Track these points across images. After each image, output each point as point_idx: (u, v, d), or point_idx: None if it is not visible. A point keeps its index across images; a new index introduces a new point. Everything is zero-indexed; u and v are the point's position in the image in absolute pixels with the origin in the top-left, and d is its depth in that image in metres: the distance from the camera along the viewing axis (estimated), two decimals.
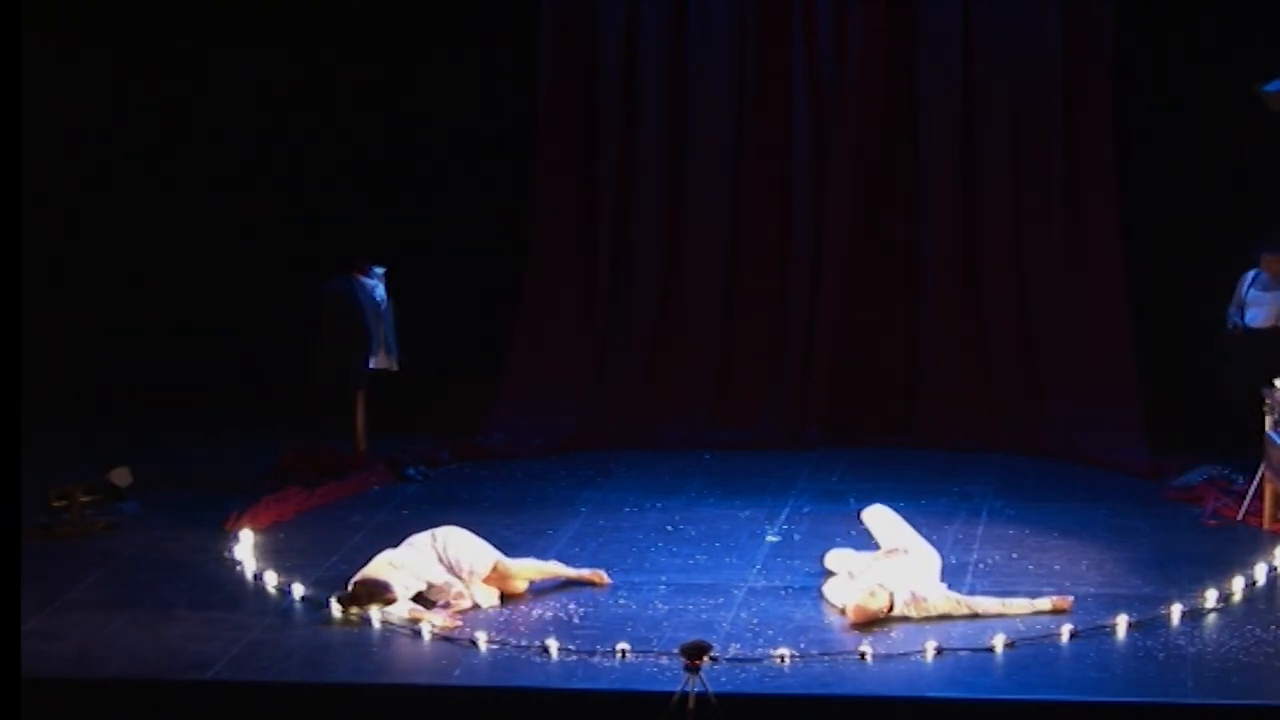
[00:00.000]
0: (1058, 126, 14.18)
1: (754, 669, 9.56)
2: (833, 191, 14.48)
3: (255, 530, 11.85)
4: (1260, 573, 10.91)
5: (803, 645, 9.84)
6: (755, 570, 11.29)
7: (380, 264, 13.96)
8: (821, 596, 10.67)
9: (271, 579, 10.99)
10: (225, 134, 15.09)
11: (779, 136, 14.52)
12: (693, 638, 9.22)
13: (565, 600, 10.72)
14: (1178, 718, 9.09)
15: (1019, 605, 10.35)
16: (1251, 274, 13.39)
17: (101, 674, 9.59)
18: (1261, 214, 13.53)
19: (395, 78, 14.94)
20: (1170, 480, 13.10)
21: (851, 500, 12.53)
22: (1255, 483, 12.11)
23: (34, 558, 10.96)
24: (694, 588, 10.93)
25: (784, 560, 11.48)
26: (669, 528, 12.22)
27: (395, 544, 10.89)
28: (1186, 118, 14.04)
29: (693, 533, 12.10)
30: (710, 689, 8.87)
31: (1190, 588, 10.66)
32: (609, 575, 11.06)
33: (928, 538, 11.10)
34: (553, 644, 9.85)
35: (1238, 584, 10.68)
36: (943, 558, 10.97)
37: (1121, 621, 10.10)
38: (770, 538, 11.97)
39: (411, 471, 13.53)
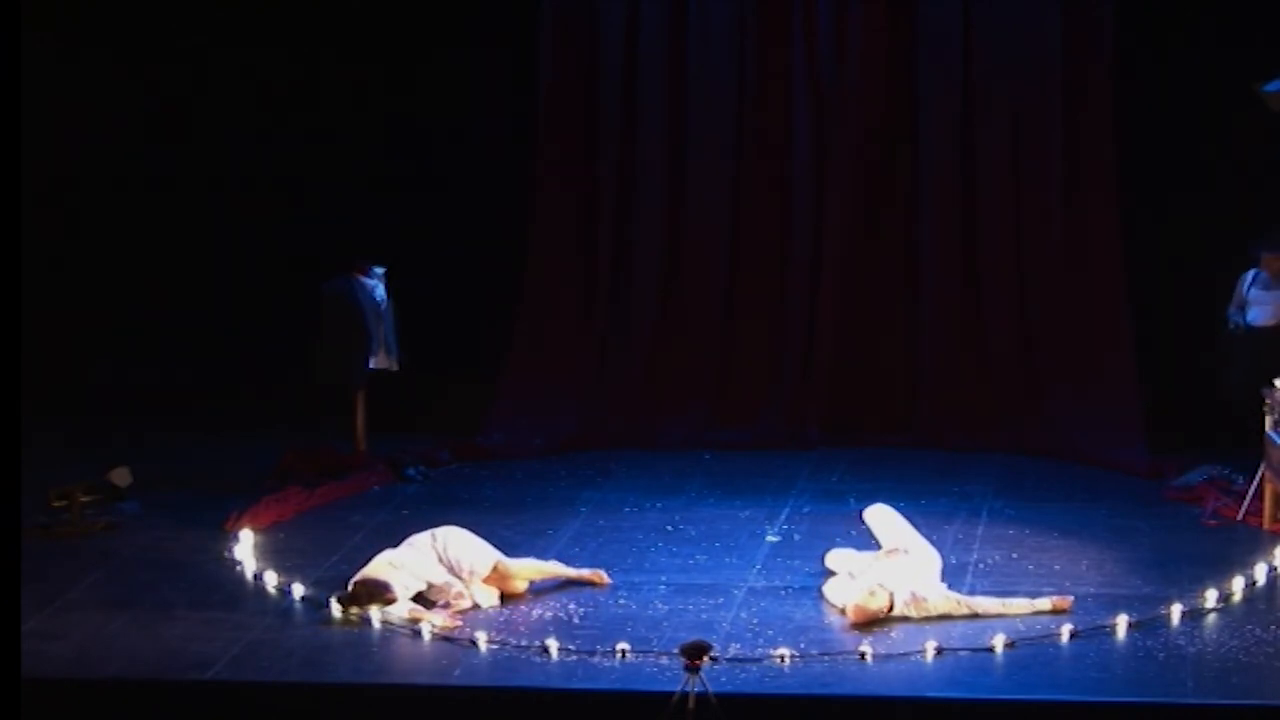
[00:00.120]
0: (1058, 126, 14.18)
1: (754, 669, 9.56)
2: (833, 191, 14.48)
3: (255, 530, 11.85)
4: (1260, 573, 10.91)
5: (803, 645, 9.84)
6: (755, 570, 11.29)
7: (380, 264, 13.96)
8: (821, 596, 10.67)
9: (271, 579, 10.99)
10: (225, 134, 15.09)
11: (779, 136, 14.52)
12: (693, 638, 9.23)
13: (565, 600, 10.72)
14: (1178, 718, 9.09)
15: (1019, 605, 10.35)
16: (1252, 273, 13.39)
17: (101, 674, 9.59)
18: (1261, 214, 13.52)
19: (395, 78, 14.94)
20: (1170, 480, 13.10)
21: (851, 500, 12.53)
22: (1255, 483, 12.11)
23: (34, 558, 10.96)
24: (694, 588, 10.93)
25: (784, 560, 11.48)
26: (669, 528, 12.22)
27: (395, 544, 10.89)
28: (1186, 118, 14.04)
29: (693, 533, 12.10)
30: (710, 689, 8.87)
31: (1190, 588, 10.66)
32: (609, 575, 11.06)
33: (928, 538, 11.10)
34: (553, 644, 9.85)
35: (1238, 584, 10.68)
36: (943, 558, 10.97)
37: (1121, 621, 10.10)
38: (770, 538, 11.97)
39: (411, 471, 13.53)
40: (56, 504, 12.15)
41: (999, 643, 9.84)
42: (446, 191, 14.95)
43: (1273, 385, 11.85)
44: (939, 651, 9.75)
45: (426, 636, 10.11)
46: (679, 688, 8.88)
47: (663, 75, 14.53)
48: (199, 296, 15.22)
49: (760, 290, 14.64)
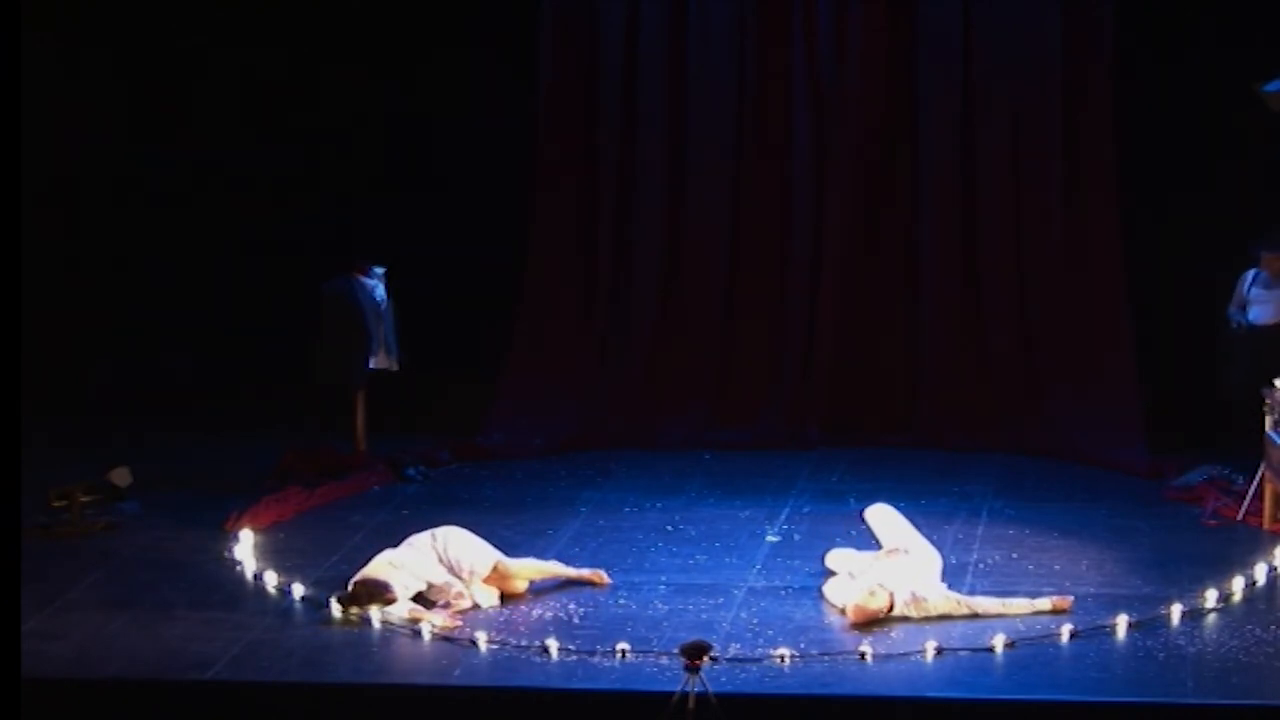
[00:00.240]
0: (1058, 126, 14.18)
1: (754, 669, 9.56)
2: (833, 191, 14.48)
3: (255, 530, 11.85)
4: (1260, 573, 10.91)
5: (803, 645, 9.84)
6: (755, 570, 11.29)
7: (380, 264, 13.96)
8: (821, 596, 10.67)
9: (271, 579, 10.99)
10: (225, 134, 15.09)
11: (779, 136, 14.52)
12: (693, 638, 9.22)
13: (565, 600, 10.72)
14: (1178, 718, 9.09)
15: (1019, 605, 10.35)
16: (1252, 273, 13.39)
17: (101, 674, 9.59)
18: (1261, 214, 13.52)
19: (395, 78, 14.94)
20: (1170, 480, 13.10)
21: (851, 500, 12.53)
22: (1255, 483, 12.11)
23: (34, 558, 10.95)
24: (694, 588, 10.93)
25: (784, 560, 11.48)
26: (669, 528, 12.22)
27: (395, 544, 10.89)
28: (1186, 118, 14.04)
29: (693, 533, 12.10)
30: (710, 689, 8.87)
31: (1190, 588, 10.66)
32: (609, 575, 11.06)
33: (928, 538, 11.10)
34: (553, 644, 9.85)
35: (1238, 584, 10.68)
36: (943, 558, 10.97)
37: (1121, 621, 10.10)
38: (770, 538, 11.97)
39: (411, 471, 13.53)
40: (56, 504, 12.15)
41: (999, 643, 9.84)
42: (446, 191, 14.94)
43: (1273, 385, 11.85)
44: (939, 651, 9.75)
45: (426, 636, 10.11)
46: (679, 688, 8.88)
47: (663, 75, 14.52)
48: (199, 297, 15.22)
49: (760, 290, 14.64)
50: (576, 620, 10.40)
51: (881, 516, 11.34)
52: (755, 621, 10.31)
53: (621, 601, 10.72)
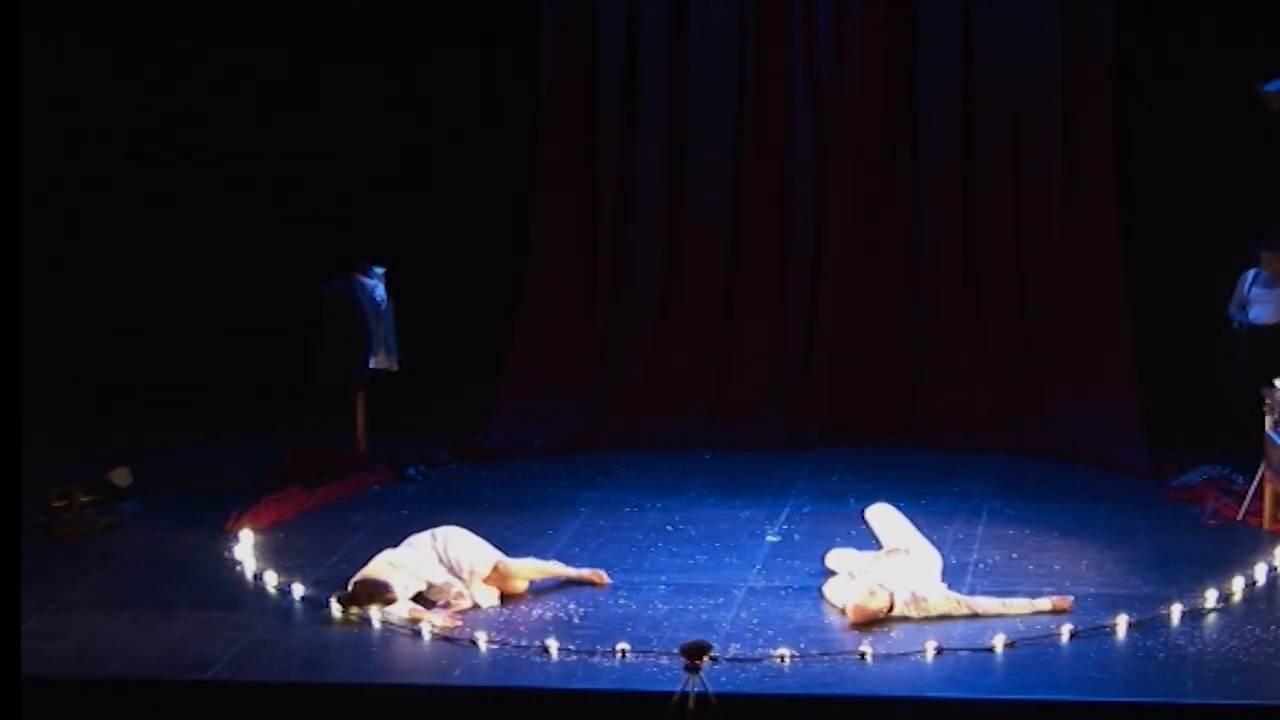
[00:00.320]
0: (1058, 126, 14.18)
1: (754, 669, 9.56)
2: (833, 191, 14.48)
3: (255, 530, 11.85)
4: (1260, 573, 10.91)
5: (803, 645, 9.84)
6: (755, 570, 11.29)
7: (380, 264, 13.96)
8: (821, 596, 10.67)
9: (271, 579, 10.99)
10: (225, 134, 15.09)
11: (779, 136, 14.52)
12: (693, 638, 9.23)
13: (565, 600, 10.72)
14: (1178, 718, 9.09)
15: (1019, 605, 10.35)
16: (1252, 273, 13.39)
17: (101, 674, 9.59)
18: (1261, 214, 13.53)
19: (395, 78, 14.94)
20: (1170, 480, 13.10)
21: (851, 500, 12.53)
22: (1255, 483, 12.11)
23: (34, 558, 10.96)
24: (694, 588, 10.93)
25: (784, 560, 11.48)
26: (669, 528, 12.22)
27: (395, 544, 10.89)
28: (1186, 118, 14.04)
29: (693, 533, 12.10)
30: (710, 689, 8.87)
31: (1190, 588, 10.66)
32: (609, 575, 11.06)
33: (928, 538, 11.10)
34: (553, 644, 9.85)
35: (1238, 584, 10.68)
36: (943, 558, 10.97)
37: (1121, 621, 10.10)
38: (770, 538, 11.97)
39: (411, 471, 13.53)
40: (56, 504, 12.15)
41: (999, 643, 9.84)
42: (446, 192, 14.95)
43: (1273, 385, 11.85)
44: (939, 651, 9.75)
45: (426, 636, 10.11)
46: (679, 688, 8.88)
47: (663, 75, 14.52)
48: (199, 297, 15.23)
49: (760, 290, 14.64)
50: (576, 620, 10.40)
51: (882, 516, 11.34)
52: (755, 621, 10.31)
53: (621, 601, 10.72)
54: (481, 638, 9.99)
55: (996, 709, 9.18)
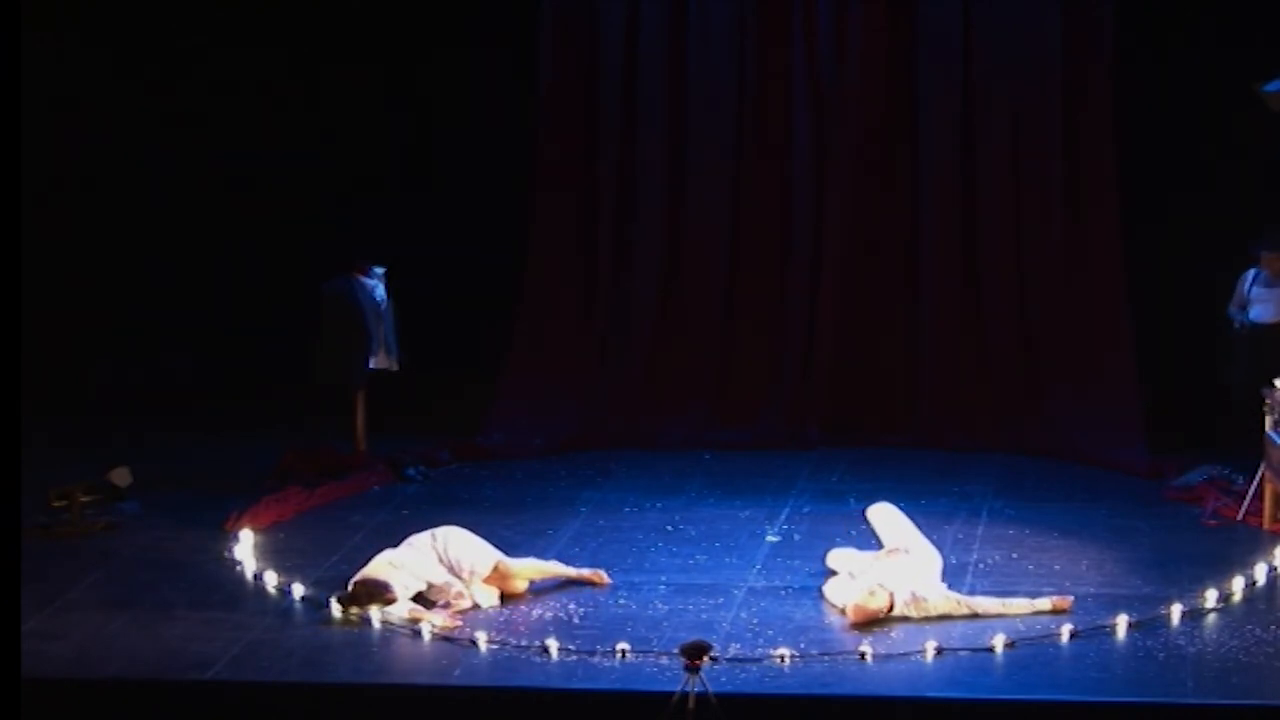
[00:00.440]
0: (1058, 126, 14.18)
1: (754, 669, 9.56)
2: (833, 191, 14.48)
3: (255, 530, 11.85)
4: (1260, 573, 10.91)
5: (803, 645, 9.84)
6: (755, 570, 11.29)
7: (380, 264, 13.96)
8: (821, 596, 10.67)
9: (271, 579, 10.99)
10: (225, 134, 15.09)
11: (779, 136, 14.52)
12: (693, 638, 9.23)
13: (565, 600, 10.72)
14: (1178, 718, 9.09)
15: (1019, 605, 10.35)
16: (1252, 273, 13.40)
17: (101, 674, 9.59)
18: (1261, 214, 13.53)
19: (395, 78, 14.94)
20: (1170, 480, 13.10)
21: (851, 500, 12.54)
22: (1255, 483, 12.11)
23: (34, 558, 10.95)
24: (694, 588, 10.93)
25: (784, 560, 11.48)
26: (669, 528, 12.22)
27: (395, 544, 10.89)
28: (1186, 118, 14.04)
29: (693, 533, 12.10)
30: (710, 689, 8.87)
31: (1190, 588, 10.66)
32: (609, 575, 11.06)
33: (928, 538, 11.10)
34: (553, 644, 9.85)
35: (1238, 584, 10.68)
36: (943, 558, 10.97)
37: (1121, 621, 10.10)
38: (770, 538, 11.97)
39: (411, 471, 13.53)
40: (56, 504, 12.15)
41: (999, 643, 9.84)
42: (446, 192, 14.95)
43: (1273, 385, 11.85)
44: (939, 651, 9.75)
45: (426, 636, 10.11)
46: (679, 688, 8.88)
47: (663, 75, 14.52)
48: (199, 297, 15.22)
49: (760, 290, 14.64)
50: (576, 620, 10.40)
51: (883, 516, 11.34)
52: (755, 621, 10.31)
53: (621, 601, 10.72)
54: (481, 638, 9.99)
55: (996, 709, 9.18)
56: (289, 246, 14.81)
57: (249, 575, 11.18)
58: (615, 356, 14.74)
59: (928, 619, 10.20)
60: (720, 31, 14.43)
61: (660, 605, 10.62)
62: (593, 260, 14.77)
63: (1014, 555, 11.53)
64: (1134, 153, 14.12)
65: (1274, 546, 11.32)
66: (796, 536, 12.00)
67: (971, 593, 10.59)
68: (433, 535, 10.86)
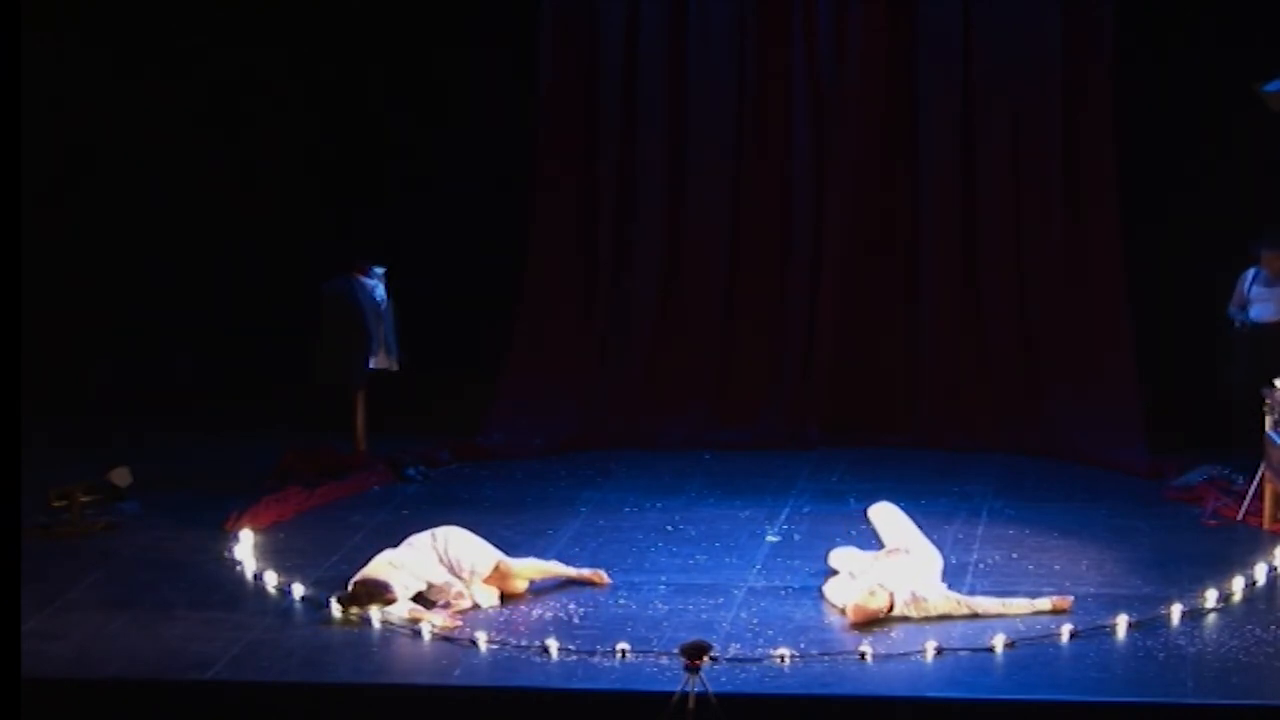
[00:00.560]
0: (1058, 126, 14.18)
1: (754, 669, 9.56)
2: (833, 191, 14.48)
3: (255, 530, 11.85)
4: (1260, 573, 10.91)
5: (803, 645, 9.84)
6: (755, 570, 11.29)
7: (380, 264, 13.96)
8: (821, 596, 10.67)
9: (271, 579, 10.99)
10: (225, 134, 15.08)
11: (779, 136, 14.52)
12: (693, 638, 9.22)
13: (565, 600, 10.72)
14: (1178, 718, 9.09)
15: (1019, 605, 10.35)
16: (1252, 272, 13.40)
17: (101, 674, 9.59)
18: (1261, 214, 13.53)
19: (395, 78, 14.94)
20: (1170, 480, 13.10)
21: (851, 500, 12.54)
22: (1255, 483, 12.11)
23: (34, 558, 10.95)
24: (694, 588, 10.93)
25: (784, 560, 11.48)
26: (669, 528, 12.22)
27: (395, 544, 10.89)
28: (1186, 118, 14.04)
29: (693, 533, 12.10)
30: (710, 689, 8.87)
31: (1190, 588, 10.66)
32: (609, 575, 11.06)
33: (928, 537, 11.09)
34: (553, 644, 9.85)
35: (1238, 584, 10.68)
36: (943, 558, 10.96)
37: (1121, 621, 10.10)
38: (770, 538, 11.97)
39: (411, 471, 13.53)
40: (56, 504, 12.15)
41: (999, 643, 9.84)
42: (447, 191, 14.94)
43: (1273, 385, 11.85)
44: (939, 651, 9.75)
45: (426, 636, 10.11)
46: (679, 688, 8.88)
47: (663, 75, 14.52)
48: (199, 296, 15.22)
49: (760, 290, 14.64)
50: (576, 620, 10.40)
51: (884, 515, 11.33)
52: (755, 621, 10.31)
53: (621, 601, 10.72)
54: (481, 638, 9.99)
55: (996, 709, 9.18)
56: (289, 246, 14.80)
57: (249, 575, 11.18)
58: (615, 356, 14.74)
59: (928, 619, 10.20)
60: (720, 31, 14.44)
61: (660, 605, 10.62)
62: (593, 260, 14.77)
63: (1014, 555, 11.53)
64: (1134, 153, 14.12)
65: (1274, 546, 11.32)
66: (796, 536, 12.00)
67: (971, 593, 10.59)
68: (433, 535, 10.86)
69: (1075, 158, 14.24)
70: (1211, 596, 10.47)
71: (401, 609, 10.35)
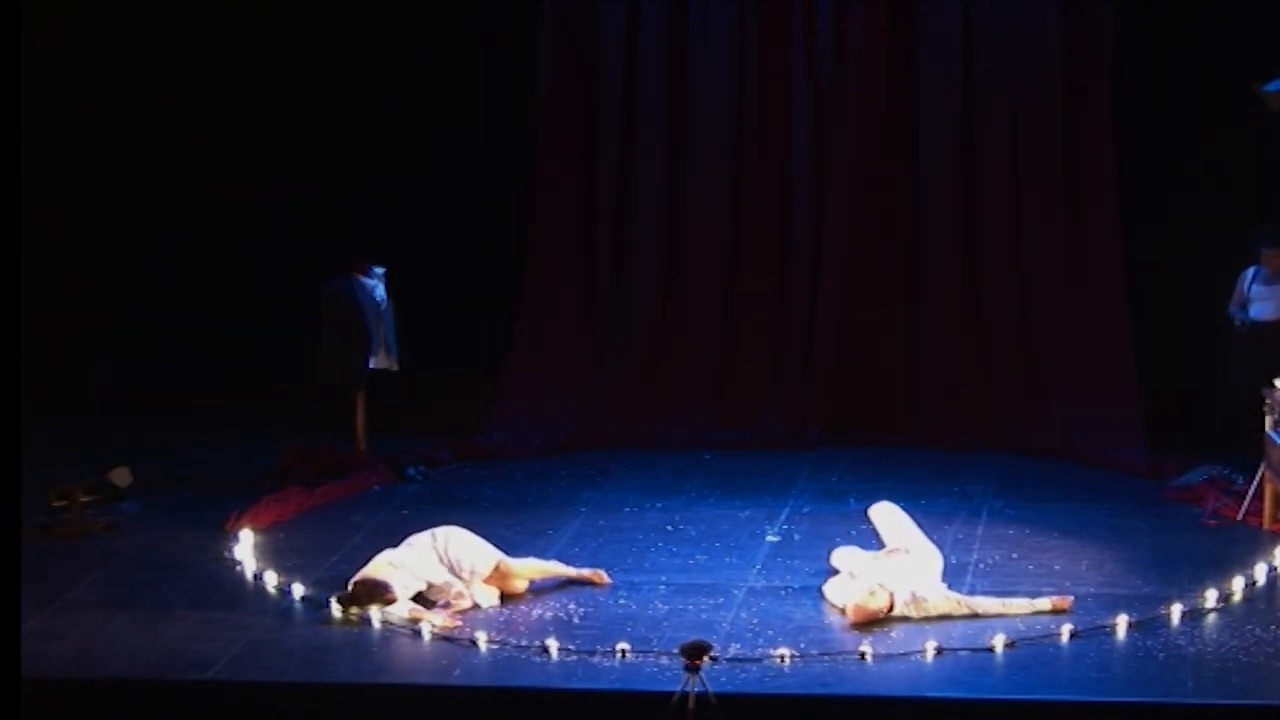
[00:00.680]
0: (1058, 126, 14.18)
1: (754, 669, 9.56)
2: (833, 191, 14.48)
3: (255, 530, 11.85)
4: (1260, 573, 10.91)
5: (803, 645, 9.84)
6: (755, 570, 11.29)
7: (380, 264, 13.96)
8: (821, 596, 10.67)
9: (271, 579, 10.98)
10: (225, 134, 15.08)
11: (779, 136, 14.52)
12: (693, 638, 9.22)
13: (565, 600, 10.72)
14: (1178, 718, 9.09)
15: (1019, 605, 10.35)
16: (1252, 271, 13.40)
17: (101, 674, 9.59)
18: (1261, 214, 13.53)
19: (396, 77, 14.94)
20: (1170, 480, 13.10)
21: (851, 500, 12.54)
22: (1255, 483, 12.11)
23: (34, 558, 10.95)
24: (694, 588, 10.93)
25: (784, 560, 11.48)
26: (669, 528, 12.22)
27: (395, 544, 10.88)
28: (1186, 118, 14.04)
29: (693, 533, 12.10)
30: (710, 689, 8.87)
31: (1190, 588, 10.66)
32: (609, 575, 11.06)
33: (928, 537, 11.09)
34: (553, 644, 9.85)
35: (1238, 584, 10.68)
36: (943, 557, 10.96)
37: (1121, 621, 10.10)
38: (770, 538, 11.97)
39: (411, 471, 13.53)
40: (56, 504, 12.14)
41: (999, 643, 9.84)
42: (447, 192, 14.94)
43: (1273, 385, 11.85)
44: (939, 651, 9.75)
45: (426, 636, 10.11)
46: (679, 688, 8.88)
47: (663, 75, 14.52)
48: (199, 296, 15.22)
49: (760, 290, 14.64)
50: (576, 620, 10.40)
51: (885, 515, 11.33)
52: (755, 621, 10.31)
53: (621, 601, 10.72)
54: (481, 638, 9.99)
55: (996, 709, 9.18)
56: (289, 246, 14.80)
57: (249, 575, 11.18)
58: (615, 356, 14.74)
59: (928, 619, 10.20)
60: (720, 31, 14.43)
61: (660, 605, 10.62)
62: (593, 260, 14.77)
63: (1014, 555, 11.53)
64: (1134, 153, 14.12)
65: (1274, 546, 11.32)
66: (796, 536, 12.00)
67: (971, 593, 10.59)
68: (433, 535, 10.85)
69: (1075, 158, 14.24)
70: (1211, 596, 10.47)
71: (401, 609, 10.35)
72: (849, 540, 11.43)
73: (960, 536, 11.86)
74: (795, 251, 14.55)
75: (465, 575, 10.68)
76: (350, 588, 10.48)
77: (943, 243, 14.44)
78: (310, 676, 9.56)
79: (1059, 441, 14.00)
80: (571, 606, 10.61)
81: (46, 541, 11.78)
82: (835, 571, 10.89)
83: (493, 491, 13.24)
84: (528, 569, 10.94)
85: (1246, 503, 12.14)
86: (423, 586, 10.60)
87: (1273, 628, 10.09)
